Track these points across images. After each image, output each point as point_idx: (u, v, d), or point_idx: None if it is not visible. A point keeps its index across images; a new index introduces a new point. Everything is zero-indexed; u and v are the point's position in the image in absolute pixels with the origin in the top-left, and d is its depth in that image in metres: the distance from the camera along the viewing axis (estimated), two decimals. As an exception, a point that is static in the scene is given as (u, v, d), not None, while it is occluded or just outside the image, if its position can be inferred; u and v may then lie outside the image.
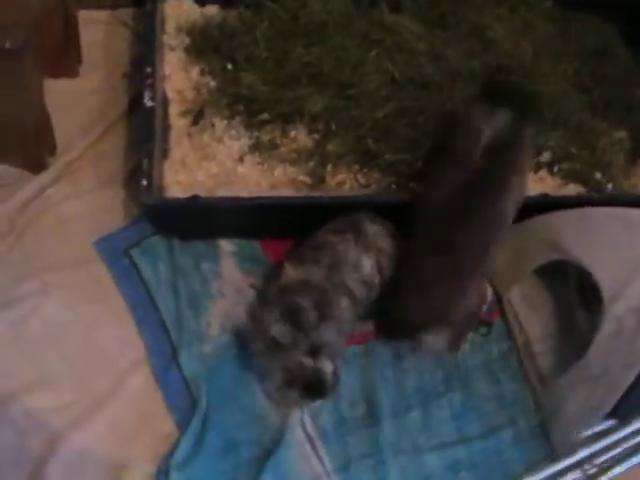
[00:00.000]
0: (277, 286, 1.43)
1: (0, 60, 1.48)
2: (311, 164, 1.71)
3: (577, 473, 1.15)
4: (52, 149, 1.74)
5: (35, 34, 1.56)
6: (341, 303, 1.42)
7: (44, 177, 1.71)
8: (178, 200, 1.54)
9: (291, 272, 1.42)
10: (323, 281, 1.42)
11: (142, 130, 1.60)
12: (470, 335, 1.63)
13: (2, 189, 1.68)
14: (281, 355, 1.37)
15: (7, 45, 1.46)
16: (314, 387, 1.37)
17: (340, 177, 1.71)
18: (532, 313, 1.68)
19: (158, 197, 1.53)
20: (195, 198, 1.53)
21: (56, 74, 1.84)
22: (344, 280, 1.45)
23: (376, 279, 1.51)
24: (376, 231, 1.53)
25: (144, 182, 1.50)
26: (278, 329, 1.36)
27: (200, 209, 1.57)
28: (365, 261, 1.49)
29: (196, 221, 1.63)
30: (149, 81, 1.65)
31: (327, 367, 1.36)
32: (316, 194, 1.66)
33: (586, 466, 1.15)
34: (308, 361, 1.35)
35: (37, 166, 1.71)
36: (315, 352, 1.36)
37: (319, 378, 1.36)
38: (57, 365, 1.50)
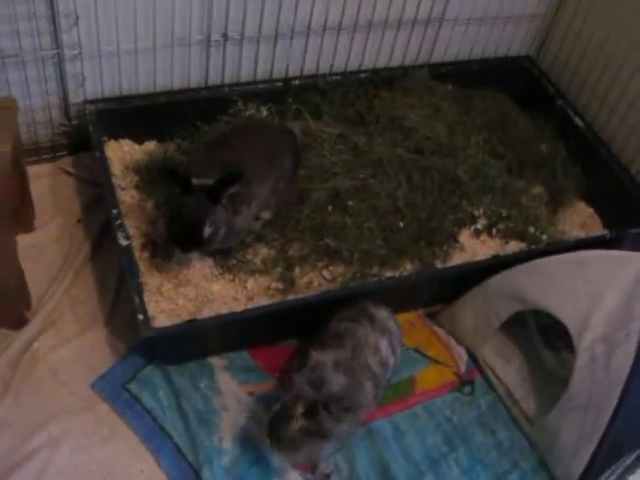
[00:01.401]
0: (308, 368, 1.46)
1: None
2: (279, 270, 1.84)
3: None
4: (28, 304, 1.79)
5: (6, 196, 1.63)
6: (367, 387, 1.50)
7: (28, 332, 1.75)
8: (177, 326, 1.62)
9: (317, 356, 1.47)
10: (350, 362, 1.50)
11: (126, 268, 1.68)
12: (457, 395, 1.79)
13: (-13, 350, 1.71)
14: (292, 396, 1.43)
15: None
16: (273, 426, 1.42)
17: (307, 277, 1.84)
18: (505, 365, 1.85)
19: (158, 328, 1.60)
20: (192, 322, 1.62)
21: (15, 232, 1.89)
22: (368, 363, 1.53)
23: (391, 360, 1.60)
24: (384, 315, 1.65)
25: (141, 316, 1.58)
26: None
27: (197, 331, 1.66)
28: (382, 343, 1.59)
29: (191, 343, 1.71)
30: (118, 222, 1.74)
31: (295, 424, 1.40)
32: (300, 297, 1.77)
33: None
34: (299, 410, 1.40)
35: (18, 322, 1.76)
36: (313, 412, 1.39)
37: (285, 423, 1.40)
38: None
